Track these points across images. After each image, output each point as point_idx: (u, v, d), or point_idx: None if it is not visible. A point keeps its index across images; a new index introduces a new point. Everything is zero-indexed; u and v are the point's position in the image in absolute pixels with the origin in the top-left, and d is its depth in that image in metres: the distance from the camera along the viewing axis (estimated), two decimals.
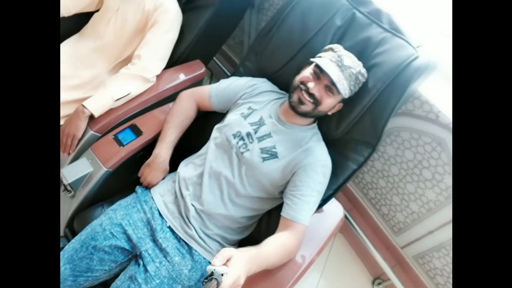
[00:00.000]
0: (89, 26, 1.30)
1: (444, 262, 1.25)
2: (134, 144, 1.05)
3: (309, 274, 1.50)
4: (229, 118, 1.04)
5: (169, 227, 0.97)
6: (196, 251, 0.95)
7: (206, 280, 0.60)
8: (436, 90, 1.05)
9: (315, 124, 1.02)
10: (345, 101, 0.95)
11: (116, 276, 0.95)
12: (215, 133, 1.05)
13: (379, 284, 1.51)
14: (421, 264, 1.36)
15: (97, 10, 1.31)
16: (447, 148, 1.05)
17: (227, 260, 0.64)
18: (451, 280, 1.25)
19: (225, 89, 1.10)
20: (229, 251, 0.65)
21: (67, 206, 1.06)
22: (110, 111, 1.09)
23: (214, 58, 1.84)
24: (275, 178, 0.95)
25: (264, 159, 0.95)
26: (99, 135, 1.09)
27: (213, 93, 1.10)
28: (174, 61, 1.23)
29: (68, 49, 1.26)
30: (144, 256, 0.92)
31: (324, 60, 0.90)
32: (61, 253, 0.95)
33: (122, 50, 1.22)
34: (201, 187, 0.97)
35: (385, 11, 0.96)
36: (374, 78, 0.91)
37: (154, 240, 0.95)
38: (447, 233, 1.19)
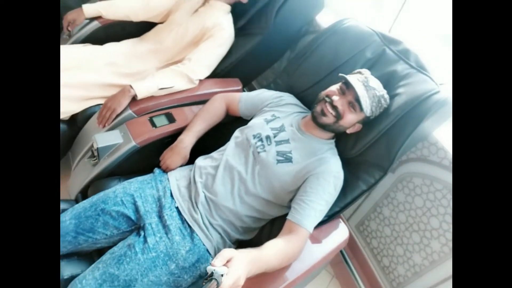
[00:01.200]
0: (151, 33, 1.48)
1: None
2: (166, 128, 1.13)
3: None
4: (253, 121, 1.12)
5: (177, 207, 1.00)
6: (197, 235, 0.96)
7: (206, 281, 0.60)
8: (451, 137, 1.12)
9: (333, 141, 1.08)
10: (364, 123, 1.02)
11: (114, 245, 0.96)
12: (237, 133, 1.11)
13: None
14: None
15: (161, 22, 1.50)
16: None
17: (227, 261, 0.64)
18: None
19: (254, 97, 1.19)
20: (230, 252, 0.66)
21: (87, 173, 1.11)
22: (151, 98, 1.20)
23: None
24: (286, 182, 0.98)
25: (278, 161, 0.99)
26: (136, 116, 1.18)
27: (242, 98, 1.20)
28: (217, 73, 1.38)
29: (126, 46, 1.43)
30: (146, 228, 0.94)
31: (352, 77, 0.98)
32: (70, 209, 0.98)
33: (175, 55, 1.37)
34: (214, 178, 1.01)
35: (414, 51, 1.07)
36: (394, 105, 0.99)
37: (160, 216, 0.98)
38: None
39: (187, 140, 1.10)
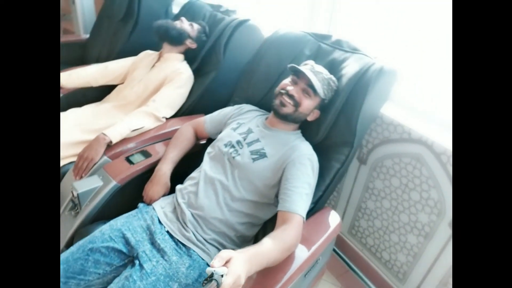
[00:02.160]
0: (113, 93, 1.58)
1: None
2: (144, 163, 1.16)
3: None
4: (221, 134, 1.17)
5: (167, 231, 0.99)
6: (194, 251, 0.95)
7: (206, 281, 0.60)
8: (400, 114, 1.24)
9: (298, 131, 1.14)
10: (321, 109, 1.11)
11: (109, 285, 0.92)
12: (209, 149, 1.15)
13: None
14: None
15: (121, 83, 1.61)
16: (425, 162, 1.17)
17: (227, 262, 0.65)
18: None
19: (217, 115, 1.27)
20: (228, 252, 0.67)
21: (70, 225, 1.08)
22: (123, 141, 1.24)
23: None
24: (267, 177, 1.01)
25: (254, 159, 1.03)
26: (111, 160, 1.20)
27: (207, 119, 1.27)
28: (182, 112, 1.46)
29: (92, 108, 1.49)
30: (141, 256, 0.92)
31: (300, 66, 1.07)
32: None
33: (139, 105, 1.45)
34: (197, 194, 1.02)
35: (344, 39, 1.22)
36: (342, 85, 1.10)
37: (152, 243, 0.96)
38: (448, 257, 1.17)
39: (164, 167, 1.13)
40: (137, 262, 0.90)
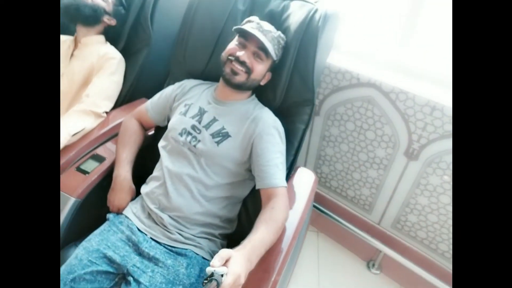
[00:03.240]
0: None
1: (416, 213, 1.34)
2: (99, 170, 1.04)
3: (307, 275, 1.47)
4: (170, 122, 1.06)
5: (151, 238, 0.93)
6: (186, 249, 0.91)
7: (206, 281, 0.61)
8: (347, 61, 1.27)
9: (253, 96, 1.07)
10: (272, 70, 1.04)
11: None
12: (161, 142, 1.05)
13: (373, 265, 1.51)
14: (400, 229, 1.43)
15: None
16: (376, 102, 1.23)
17: (226, 261, 0.65)
18: (430, 231, 1.33)
19: (158, 99, 1.14)
20: (227, 251, 0.66)
21: None
22: (66, 149, 1.09)
23: None
24: (236, 157, 0.96)
25: (217, 142, 0.96)
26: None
27: (149, 106, 1.14)
28: (121, 101, 1.31)
29: None
30: (133, 271, 0.86)
31: (247, 27, 0.96)
32: None
33: (68, 106, 1.26)
34: (168, 195, 0.95)
35: None
36: (288, 39, 1.02)
37: (140, 253, 0.90)
38: (407, 184, 1.30)
39: (122, 172, 1.02)
40: (130, 278, 0.84)
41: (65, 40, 1.33)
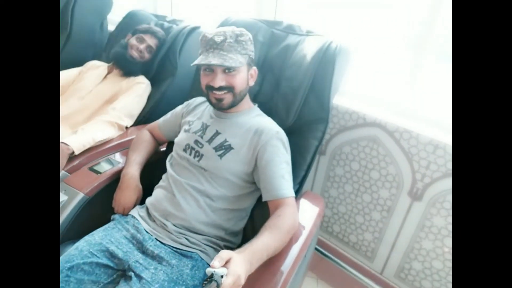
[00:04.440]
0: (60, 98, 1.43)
1: (421, 260, 1.30)
2: (111, 172, 1.07)
3: None
4: (176, 139, 1.09)
5: (156, 239, 0.92)
6: (192, 252, 0.89)
7: (206, 282, 0.62)
8: (354, 103, 1.37)
9: (255, 107, 1.08)
10: (253, 63, 1.01)
11: None
12: (168, 158, 1.09)
13: None
14: (404, 278, 1.38)
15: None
16: (381, 141, 1.30)
17: (227, 262, 0.65)
18: (436, 280, 1.28)
19: (170, 117, 1.19)
20: (228, 252, 0.67)
21: None
22: (82, 153, 1.12)
23: None
24: (240, 169, 0.96)
25: (221, 155, 0.96)
26: (69, 174, 1.07)
27: (161, 122, 1.21)
28: (139, 120, 1.39)
29: None
30: (134, 266, 0.83)
31: (201, 56, 0.92)
32: None
33: (88, 117, 1.34)
34: (174, 202, 0.95)
35: (296, 24, 1.23)
36: (304, 66, 1.09)
37: (143, 251, 0.88)
38: (411, 227, 1.30)
39: (130, 170, 1.04)
40: (131, 273, 0.81)
41: (99, 65, 1.49)
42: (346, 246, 1.53)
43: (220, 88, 0.94)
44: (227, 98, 0.96)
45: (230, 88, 0.95)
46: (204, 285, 0.61)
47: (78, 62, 1.56)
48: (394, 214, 1.34)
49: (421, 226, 1.27)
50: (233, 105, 0.99)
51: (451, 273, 1.23)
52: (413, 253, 1.31)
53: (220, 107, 0.99)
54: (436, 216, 1.22)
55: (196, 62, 0.92)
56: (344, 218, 1.51)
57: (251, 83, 1.02)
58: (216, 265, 0.62)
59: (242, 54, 0.94)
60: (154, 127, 1.22)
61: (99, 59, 1.60)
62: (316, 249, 1.53)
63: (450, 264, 1.23)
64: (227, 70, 0.93)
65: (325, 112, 1.10)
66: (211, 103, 1.00)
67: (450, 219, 1.19)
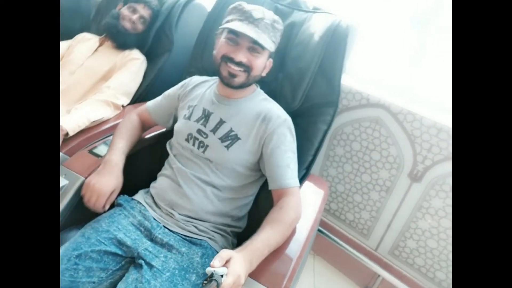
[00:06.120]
0: None
1: (416, 239, 1.35)
2: None
3: None
4: (176, 126, 1.02)
5: (164, 226, 0.90)
6: (202, 239, 0.89)
7: (205, 282, 0.61)
8: (357, 82, 1.35)
9: (258, 89, 1.03)
10: (274, 57, 0.98)
11: None
12: (168, 146, 1.04)
13: None
14: (398, 255, 1.42)
15: None
16: (384, 123, 1.29)
17: (227, 261, 0.65)
18: (429, 257, 1.33)
19: (161, 101, 1.11)
20: (228, 252, 0.66)
21: None
22: (79, 133, 1.08)
23: None
24: (248, 159, 0.93)
25: (227, 146, 0.92)
26: (68, 157, 1.03)
27: (150, 108, 1.11)
28: (136, 99, 1.33)
29: None
30: (144, 254, 0.82)
31: (235, 23, 0.86)
32: None
33: (83, 95, 1.27)
34: (180, 192, 0.93)
35: (301, 0, 1.17)
36: (312, 45, 1.04)
37: (152, 239, 0.87)
38: (408, 207, 1.33)
39: (115, 157, 0.94)
40: (141, 261, 0.80)
41: (90, 37, 1.39)
42: (343, 223, 1.57)
43: (239, 64, 0.89)
44: (241, 76, 0.91)
45: (248, 68, 0.90)
46: (204, 284, 0.61)
47: (66, 35, 1.46)
48: (392, 194, 1.36)
49: (419, 207, 1.30)
50: (242, 86, 0.94)
51: (444, 252, 1.28)
52: (409, 232, 1.35)
53: (229, 83, 0.92)
54: (435, 198, 1.25)
55: (229, 25, 0.85)
56: (342, 196, 1.53)
57: (264, 73, 0.98)
58: (216, 265, 0.63)
59: (272, 41, 0.92)
60: (142, 111, 1.11)
61: (88, 31, 1.50)
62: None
63: (444, 243, 1.27)
64: (253, 49, 0.89)
65: (335, 95, 1.06)
66: (221, 76, 0.93)
67: (448, 201, 1.22)
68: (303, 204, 0.89)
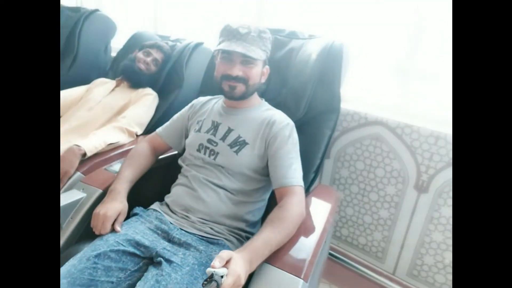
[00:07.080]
0: (66, 115, 1.45)
1: (432, 253, 1.32)
2: None
3: None
4: (187, 141, 1.09)
5: (181, 228, 0.93)
6: (219, 239, 0.91)
7: (205, 282, 0.62)
8: (353, 103, 1.44)
9: (263, 101, 1.12)
10: (276, 76, 1.10)
11: None
12: (180, 161, 1.09)
13: None
14: (417, 276, 1.38)
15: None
16: (384, 139, 1.36)
17: (227, 262, 0.66)
18: (449, 272, 1.29)
19: (171, 124, 1.18)
20: (228, 252, 0.68)
21: None
22: (96, 155, 1.14)
23: None
24: (256, 163, 0.98)
25: (236, 151, 0.98)
26: (84, 176, 1.08)
27: (160, 131, 1.18)
28: (148, 130, 1.43)
29: None
30: (163, 252, 0.83)
31: (224, 43, 0.96)
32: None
33: (99, 127, 1.37)
34: (195, 196, 0.97)
35: (298, 31, 1.31)
36: (311, 62, 1.15)
37: (170, 240, 0.89)
38: (419, 220, 1.33)
39: (118, 186, 0.97)
40: (160, 259, 0.81)
41: (107, 81, 1.56)
42: (355, 249, 1.54)
43: (236, 78, 0.98)
44: (240, 87, 1.00)
45: (244, 80, 0.99)
46: (204, 285, 0.61)
47: (84, 83, 1.62)
48: (402, 209, 1.37)
49: (430, 218, 1.29)
50: (244, 96, 1.02)
51: None
52: (424, 247, 1.33)
53: (232, 96, 1.01)
54: (444, 206, 1.25)
55: (220, 47, 0.96)
56: (352, 220, 1.52)
57: (263, 80, 1.07)
58: (216, 265, 0.64)
59: (262, 50, 1.00)
60: (153, 137, 1.18)
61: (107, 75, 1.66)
62: (331, 255, 1.53)
63: None
64: (246, 62, 0.98)
65: (336, 101, 1.16)
66: (223, 92, 1.02)
67: None
68: (315, 203, 0.91)
